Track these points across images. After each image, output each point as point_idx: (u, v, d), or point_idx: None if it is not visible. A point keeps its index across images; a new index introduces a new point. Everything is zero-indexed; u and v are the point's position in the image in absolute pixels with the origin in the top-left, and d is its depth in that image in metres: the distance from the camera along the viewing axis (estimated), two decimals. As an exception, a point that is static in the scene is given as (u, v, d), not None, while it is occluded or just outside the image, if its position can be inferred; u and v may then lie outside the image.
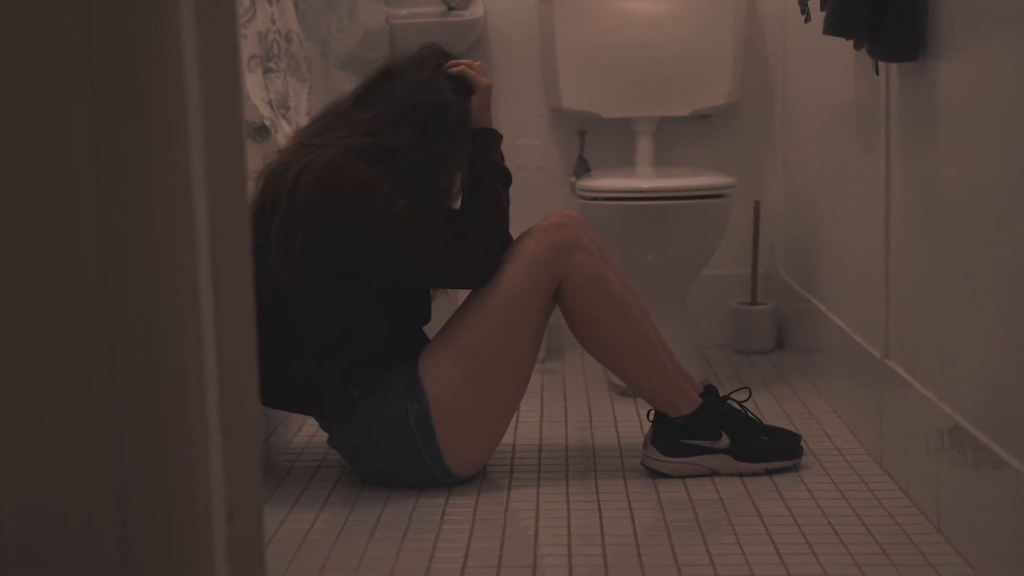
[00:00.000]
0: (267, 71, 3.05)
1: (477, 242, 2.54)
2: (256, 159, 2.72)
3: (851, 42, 2.62)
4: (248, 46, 2.99)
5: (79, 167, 1.05)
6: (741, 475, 2.62)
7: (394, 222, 2.45)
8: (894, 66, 2.53)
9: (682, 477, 2.62)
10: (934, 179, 2.35)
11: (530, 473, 2.69)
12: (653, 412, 2.75)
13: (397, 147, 2.53)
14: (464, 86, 2.66)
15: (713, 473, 2.63)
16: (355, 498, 2.55)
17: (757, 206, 3.79)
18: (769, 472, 2.62)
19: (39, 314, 1.06)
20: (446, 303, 2.84)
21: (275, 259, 2.46)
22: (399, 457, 2.54)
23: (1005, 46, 2.00)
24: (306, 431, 3.02)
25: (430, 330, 2.69)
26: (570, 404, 3.25)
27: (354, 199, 2.45)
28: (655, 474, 2.64)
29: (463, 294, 2.71)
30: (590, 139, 3.86)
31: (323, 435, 2.93)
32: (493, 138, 2.68)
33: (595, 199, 3.31)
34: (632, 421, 3.06)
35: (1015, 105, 1.96)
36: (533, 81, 3.91)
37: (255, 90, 3.00)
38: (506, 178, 2.66)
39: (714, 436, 2.63)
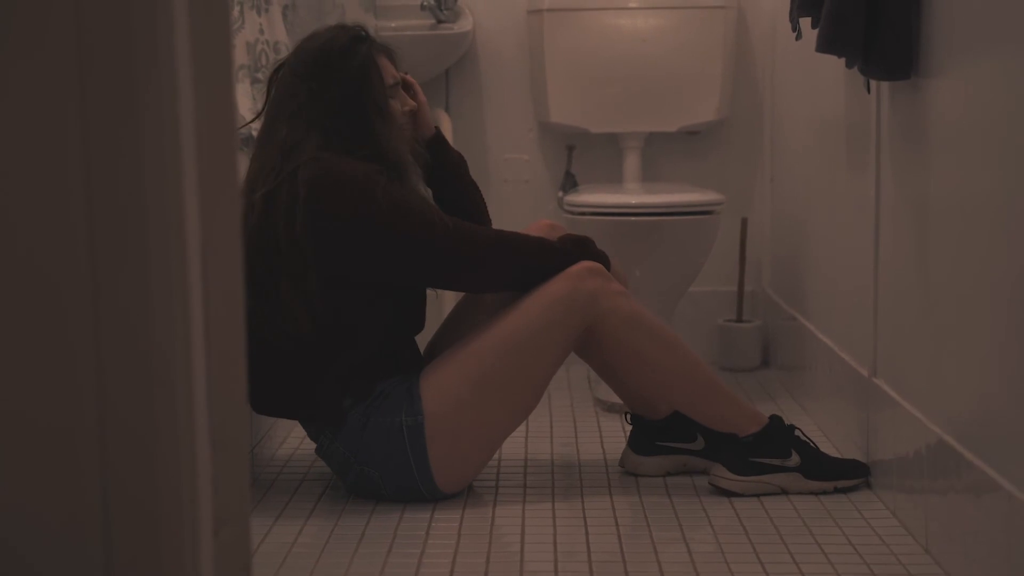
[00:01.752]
0: (255, 81, 3.04)
1: (471, 244, 2.49)
2: (240, 170, 2.71)
3: (842, 60, 2.62)
4: (236, 56, 2.98)
5: (69, 170, 1.04)
6: (811, 493, 2.59)
7: (395, 215, 2.43)
8: (885, 85, 2.53)
9: (754, 496, 2.58)
10: (924, 198, 2.35)
11: (516, 488, 2.67)
12: (630, 415, 2.75)
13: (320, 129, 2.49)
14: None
15: (783, 492, 2.60)
16: (340, 511, 2.53)
17: (744, 223, 3.79)
18: (838, 490, 2.60)
19: (25, 322, 1.05)
20: (436, 315, 2.83)
21: (287, 313, 2.43)
22: (388, 469, 2.52)
23: (996, 66, 2.00)
24: (291, 443, 3.01)
25: (420, 338, 2.68)
26: (556, 420, 3.23)
27: (355, 200, 2.42)
28: (641, 487, 2.63)
29: (450, 305, 2.71)
30: (578, 154, 3.85)
31: (308, 447, 2.91)
32: (586, 241, 2.64)
33: (582, 214, 3.30)
34: (618, 437, 3.05)
35: (1006, 125, 1.96)
36: (522, 95, 3.90)
37: (242, 100, 2.99)
38: (558, 262, 2.57)
39: (784, 454, 2.61)
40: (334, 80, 2.51)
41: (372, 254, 2.45)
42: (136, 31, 1.03)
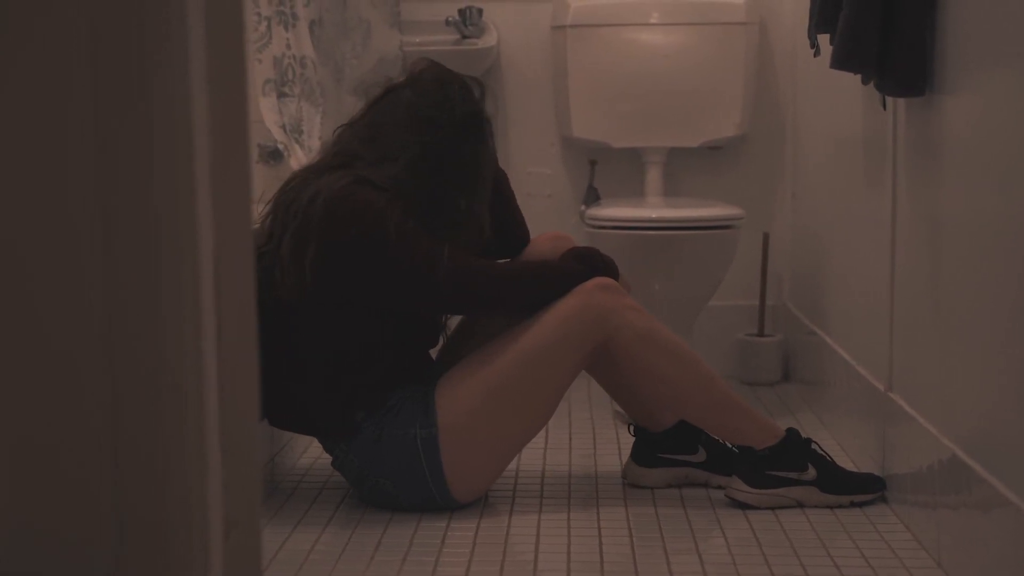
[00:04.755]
0: (281, 95, 3.08)
1: (458, 274, 2.50)
2: (268, 183, 2.74)
3: (859, 76, 2.63)
4: (263, 71, 3.02)
5: (82, 179, 1.05)
6: (827, 507, 2.59)
7: (401, 246, 2.46)
8: (901, 101, 2.55)
9: (769, 509, 2.59)
10: (939, 213, 2.36)
11: (532, 499, 2.69)
12: (633, 427, 2.76)
13: (409, 181, 2.54)
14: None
15: (799, 505, 2.60)
16: (357, 520, 2.56)
17: (766, 238, 3.80)
18: (854, 504, 2.60)
19: (36, 329, 1.06)
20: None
21: (282, 271, 2.47)
22: (402, 480, 2.54)
23: (1011, 83, 2.02)
24: (311, 452, 3.03)
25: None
26: (575, 431, 3.25)
27: (364, 226, 2.46)
28: (656, 499, 2.64)
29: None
30: (600, 168, 3.87)
31: (328, 457, 2.93)
32: (590, 253, 2.67)
33: (604, 228, 3.33)
34: (636, 450, 3.06)
35: (1020, 141, 1.97)
36: (545, 110, 3.93)
37: (269, 114, 3.02)
38: (565, 283, 2.59)
39: (801, 468, 2.62)
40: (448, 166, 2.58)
41: (380, 283, 2.48)
42: (149, 39, 1.04)
